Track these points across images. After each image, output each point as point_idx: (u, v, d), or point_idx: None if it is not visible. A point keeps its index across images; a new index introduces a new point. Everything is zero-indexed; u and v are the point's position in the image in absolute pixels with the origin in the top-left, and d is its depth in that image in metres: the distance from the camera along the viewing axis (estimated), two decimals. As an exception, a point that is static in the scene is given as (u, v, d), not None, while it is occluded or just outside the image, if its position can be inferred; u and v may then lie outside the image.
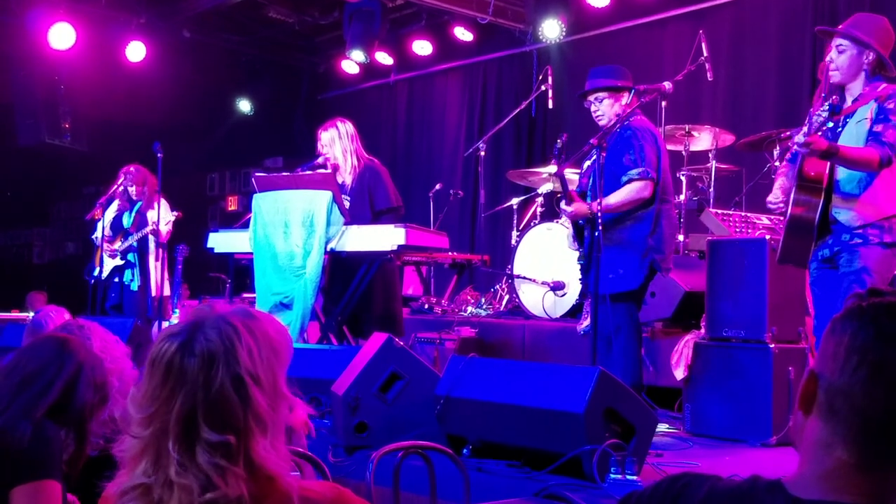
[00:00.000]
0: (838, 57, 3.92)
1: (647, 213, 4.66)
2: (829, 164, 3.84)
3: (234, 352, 1.47)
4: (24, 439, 2.15)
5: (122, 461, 1.52)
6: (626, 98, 4.79)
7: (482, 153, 7.92)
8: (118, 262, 7.33)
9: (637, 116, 4.79)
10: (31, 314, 5.85)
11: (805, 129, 3.76)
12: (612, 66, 5.02)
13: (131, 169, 7.37)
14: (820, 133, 3.69)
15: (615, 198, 4.65)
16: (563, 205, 4.74)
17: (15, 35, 9.55)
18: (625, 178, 4.64)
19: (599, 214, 4.52)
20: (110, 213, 7.46)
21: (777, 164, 6.17)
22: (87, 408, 2.37)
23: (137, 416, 1.49)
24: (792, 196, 3.91)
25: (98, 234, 7.38)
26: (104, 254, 7.35)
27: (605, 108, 4.80)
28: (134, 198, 7.38)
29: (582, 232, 4.84)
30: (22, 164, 10.53)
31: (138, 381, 1.54)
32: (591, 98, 4.85)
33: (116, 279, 7.37)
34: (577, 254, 6.34)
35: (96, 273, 7.35)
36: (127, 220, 7.39)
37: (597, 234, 4.57)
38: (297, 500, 1.47)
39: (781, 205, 4.08)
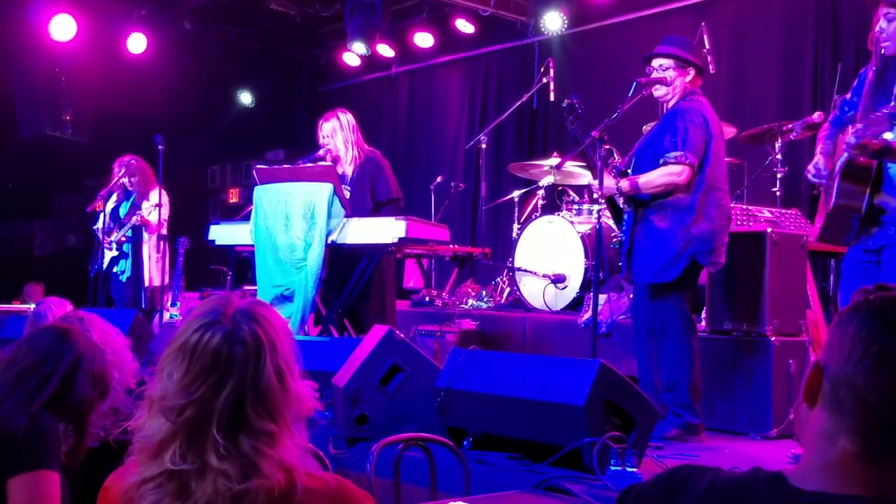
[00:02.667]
0: (889, 26, 3.63)
1: (690, 201, 4.35)
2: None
3: (274, 342, 1.52)
4: (19, 430, 2.15)
5: (140, 448, 1.52)
6: (690, 75, 4.50)
7: (483, 146, 7.91)
8: (114, 252, 7.36)
9: (695, 96, 4.50)
10: (32, 306, 5.85)
11: (858, 126, 3.47)
12: (687, 39, 4.74)
13: (131, 161, 7.38)
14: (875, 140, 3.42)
15: (646, 177, 4.40)
16: (593, 180, 4.47)
17: (16, 26, 9.54)
18: (661, 161, 4.35)
19: (619, 195, 4.38)
20: (111, 204, 7.49)
21: (779, 156, 6.17)
22: (87, 400, 2.37)
23: (172, 403, 1.49)
24: (836, 184, 3.65)
25: (99, 225, 7.40)
26: (104, 245, 7.39)
27: (668, 79, 4.50)
28: (129, 189, 7.39)
29: (621, 214, 4.62)
30: (23, 157, 10.52)
31: (165, 369, 1.53)
32: (655, 66, 4.53)
33: (114, 269, 7.42)
34: (578, 246, 6.38)
35: (98, 264, 7.38)
36: (123, 211, 7.41)
37: (598, 220, 4.53)
38: (301, 491, 1.48)
39: (825, 176, 3.78)
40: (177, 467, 1.46)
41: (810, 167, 3.86)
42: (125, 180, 7.36)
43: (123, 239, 7.33)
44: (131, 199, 7.40)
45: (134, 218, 7.22)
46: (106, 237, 7.36)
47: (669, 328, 4.41)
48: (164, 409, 1.49)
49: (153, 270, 7.32)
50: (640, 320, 4.58)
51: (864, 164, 3.59)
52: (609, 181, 4.41)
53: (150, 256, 7.30)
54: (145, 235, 7.29)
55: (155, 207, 7.12)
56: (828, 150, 3.86)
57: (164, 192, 7.24)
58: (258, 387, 1.48)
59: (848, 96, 3.95)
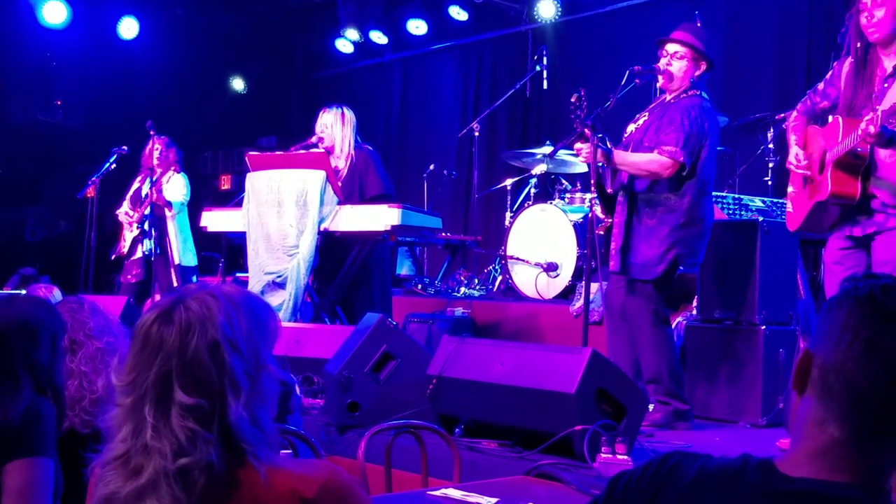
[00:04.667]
0: (877, 11, 3.62)
1: (682, 203, 4.35)
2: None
3: (213, 318, 1.51)
4: (16, 416, 2.15)
5: (106, 433, 1.55)
6: (701, 69, 4.45)
7: (476, 134, 7.90)
8: (135, 231, 7.20)
9: (699, 92, 4.46)
10: (23, 292, 5.82)
11: (871, 116, 3.45)
12: (706, 32, 4.65)
13: (164, 139, 7.24)
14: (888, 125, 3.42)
15: (634, 157, 4.38)
16: (577, 143, 4.39)
17: (7, 11, 9.47)
18: (655, 150, 4.33)
19: (605, 165, 4.39)
20: (135, 185, 7.33)
21: (771, 146, 6.18)
22: (60, 369, 2.36)
23: (119, 385, 1.53)
24: (829, 173, 3.69)
25: (125, 208, 7.24)
26: (125, 230, 7.25)
27: (678, 68, 4.44)
28: (155, 163, 7.20)
29: (609, 200, 4.58)
30: (14, 142, 10.47)
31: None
32: (670, 52, 4.45)
33: (140, 254, 7.22)
34: (571, 235, 6.38)
35: (125, 250, 7.26)
36: (146, 190, 7.27)
37: (590, 208, 4.54)
38: (268, 475, 1.48)
39: (805, 167, 3.84)
40: (128, 448, 1.49)
41: (791, 158, 3.93)
42: (157, 152, 7.14)
43: (142, 217, 7.17)
44: (155, 178, 7.29)
45: (153, 195, 7.04)
46: (129, 218, 7.21)
47: (645, 323, 4.43)
48: (117, 392, 1.53)
49: (177, 248, 7.22)
50: (614, 308, 4.59)
51: (860, 153, 3.62)
52: (591, 148, 4.31)
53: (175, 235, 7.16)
54: (167, 213, 7.16)
55: (172, 187, 7.05)
56: (802, 142, 3.93)
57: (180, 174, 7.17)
58: (184, 361, 1.49)
59: (820, 87, 3.98)
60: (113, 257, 7.34)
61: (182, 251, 7.25)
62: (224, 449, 1.49)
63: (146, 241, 7.20)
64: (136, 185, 7.34)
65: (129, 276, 7.25)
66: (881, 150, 3.64)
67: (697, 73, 4.47)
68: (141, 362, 1.51)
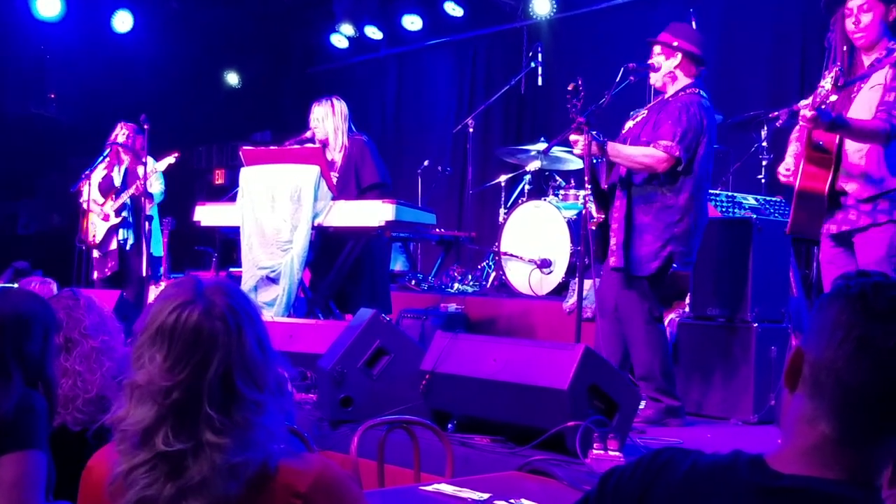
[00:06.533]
0: (864, 16, 3.67)
1: (677, 201, 4.36)
2: (837, 135, 3.67)
3: (250, 313, 1.54)
4: (8, 410, 2.15)
5: (123, 438, 1.49)
6: (678, 59, 4.45)
7: (471, 130, 7.91)
8: (114, 220, 7.10)
9: (696, 89, 4.45)
10: (16, 285, 5.80)
11: (809, 100, 3.55)
12: (687, 27, 4.66)
13: (131, 126, 7.16)
14: (823, 106, 3.49)
15: (628, 150, 4.38)
16: (572, 136, 4.37)
17: (0, 4, 9.44)
18: (651, 144, 4.33)
19: (601, 157, 4.40)
20: (97, 175, 7.21)
21: (765, 144, 6.20)
22: (51, 364, 2.35)
23: (158, 387, 1.47)
24: (801, 168, 3.74)
25: (85, 196, 7.10)
26: (97, 217, 7.13)
27: (665, 66, 4.47)
28: (123, 154, 7.14)
29: (603, 195, 4.57)
30: (7, 135, 10.44)
31: (145, 354, 1.50)
32: (656, 51, 4.51)
33: (115, 245, 7.14)
34: (564, 232, 6.39)
35: (97, 240, 7.13)
36: (117, 178, 7.21)
37: (584, 205, 4.52)
38: (280, 464, 1.49)
39: (791, 178, 3.89)
40: (170, 449, 1.45)
41: (781, 168, 3.96)
42: (122, 138, 7.08)
43: (122, 206, 7.08)
44: (125, 165, 7.18)
45: (134, 187, 6.96)
46: (99, 208, 7.10)
47: (638, 320, 4.42)
48: (150, 394, 1.47)
49: (151, 239, 7.15)
50: (606, 305, 4.59)
51: (825, 146, 3.68)
52: (585, 140, 4.30)
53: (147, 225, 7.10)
54: (147, 204, 7.05)
55: (154, 178, 7.00)
56: (797, 153, 3.93)
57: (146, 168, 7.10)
58: (244, 358, 1.49)
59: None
60: (85, 247, 7.18)
61: (154, 241, 7.19)
62: (271, 441, 1.50)
63: (122, 231, 7.12)
64: (102, 172, 7.18)
65: (105, 270, 7.15)
66: (847, 143, 3.68)
67: (675, 63, 4.47)
68: (193, 361, 1.47)
